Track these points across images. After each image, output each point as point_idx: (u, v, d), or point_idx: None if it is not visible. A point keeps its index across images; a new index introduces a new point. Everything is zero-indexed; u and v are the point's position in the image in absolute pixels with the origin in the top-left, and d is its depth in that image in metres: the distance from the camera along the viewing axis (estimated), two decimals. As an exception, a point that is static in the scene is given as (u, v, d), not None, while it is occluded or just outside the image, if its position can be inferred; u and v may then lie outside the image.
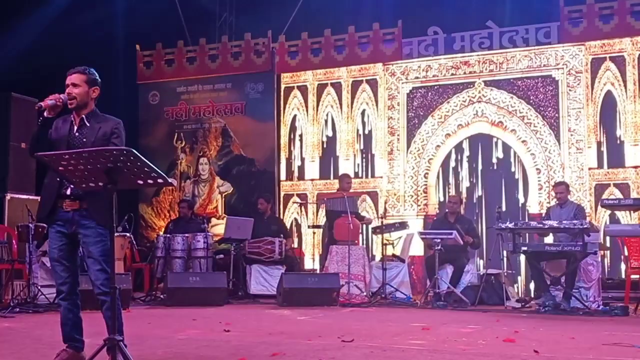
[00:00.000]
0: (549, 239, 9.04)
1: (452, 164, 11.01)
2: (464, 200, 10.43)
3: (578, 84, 10.43)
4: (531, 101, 10.67)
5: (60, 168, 3.72)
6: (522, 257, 9.61)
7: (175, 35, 12.79)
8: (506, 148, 10.76)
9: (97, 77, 4.40)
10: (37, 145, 4.10)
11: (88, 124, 4.30)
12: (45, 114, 4.14)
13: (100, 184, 3.71)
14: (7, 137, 10.20)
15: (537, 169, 10.56)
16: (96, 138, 4.23)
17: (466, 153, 10.95)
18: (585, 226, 7.92)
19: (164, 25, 12.97)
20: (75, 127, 4.30)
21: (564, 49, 10.56)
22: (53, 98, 4.16)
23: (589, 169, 10.27)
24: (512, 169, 10.69)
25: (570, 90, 10.47)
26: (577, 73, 10.45)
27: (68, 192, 4.19)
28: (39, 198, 10.83)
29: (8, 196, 9.95)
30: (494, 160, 10.80)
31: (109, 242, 3.98)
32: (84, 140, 4.23)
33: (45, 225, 8.60)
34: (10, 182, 10.10)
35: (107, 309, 4.03)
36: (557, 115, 10.52)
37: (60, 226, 4.28)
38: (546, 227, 8.36)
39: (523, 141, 10.66)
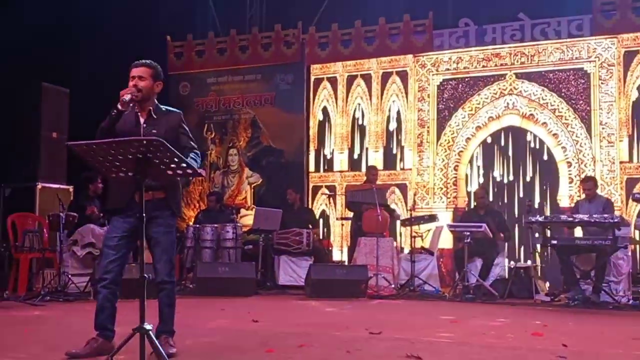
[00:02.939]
0: (579, 233, 8.95)
1: (483, 156, 10.95)
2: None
3: (610, 77, 10.30)
4: (562, 94, 10.55)
5: (89, 158, 3.74)
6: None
7: (206, 26, 12.83)
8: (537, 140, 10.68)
9: (161, 72, 4.51)
10: (104, 138, 4.09)
11: (155, 117, 4.42)
12: (119, 107, 4.20)
13: (130, 174, 3.74)
14: (38, 126, 10.32)
15: (567, 162, 10.45)
16: (166, 129, 4.34)
17: (497, 145, 10.87)
18: (616, 220, 7.82)
19: (195, 16, 13.03)
20: (143, 120, 4.40)
21: (597, 41, 10.41)
22: (129, 92, 4.23)
23: (620, 162, 10.13)
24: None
25: (602, 83, 10.33)
26: (610, 66, 10.31)
27: None
28: (70, 187, 11.01)
29: (39, 185, 10.06)
30: (526, 153, 10.71)
31: (175, 233, 4.24)
32: (154, 131, 4.29)
33: (76, 214, 8.74)
34: (41, 172, 10.21)
35: (163, 296, 4.35)
36: (588, 108, 10.40)
37: (130, 217, 4.28)
38: (576, 220, 8.27)
39: (554, 134, 10.55)
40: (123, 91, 4.26)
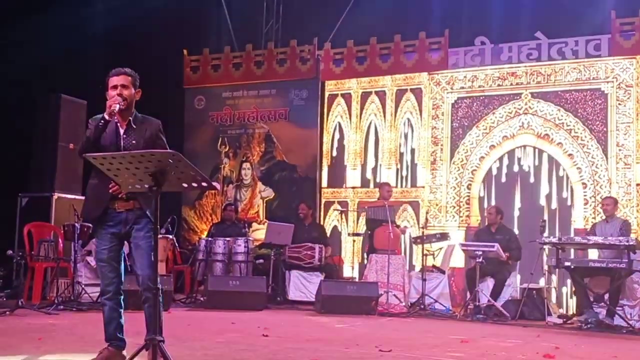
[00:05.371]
0: (594, 255, 8.89)
1: (495, 174, 10.91)
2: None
3: (628, 98, 10.25)
4: (579, 114, 10.50)
5: (108, 169, 3.77)
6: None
7: (223, 41, 12.91)
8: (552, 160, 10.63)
9: (138, 79, 4.44)
10: (91, 148, 4.12)
11: (134, 126, 4.35)
12: (107, 117, 4.19)
13: (146, 186, 3.75)
14: (55, 137, 10.39)
15: (583, 183, 10.40)
16: (145, 139, 4.30)
17: (510, 164, 10.83)
18: (631, 243, 7.77)
19: (212, 31, 13.11)
20: (122, 130, 4.34)
21: (615, 62, 10.37)
22: (117, 102, 4.21)
23: (637, 184, 10.06)
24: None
25: (619, 104, 10.28)
26: (627, 87, 10.26)
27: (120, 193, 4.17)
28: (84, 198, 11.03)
29: (55, 195, 10.13)
30: (541, 173, 10.66)
31: (156, 239, 4.09)
32: (134, 142, 4.28)
33: (90, 225, 8.79)
34: (57, 182, 10.28)
35: (149, 306, 4.04)
36: (605, 129, 10.34)
37: (112, 227, 4.31)
38: (590, 242, 8.22)
39: (569, 154, 10.51)
40: (110, 101, 4.22)
